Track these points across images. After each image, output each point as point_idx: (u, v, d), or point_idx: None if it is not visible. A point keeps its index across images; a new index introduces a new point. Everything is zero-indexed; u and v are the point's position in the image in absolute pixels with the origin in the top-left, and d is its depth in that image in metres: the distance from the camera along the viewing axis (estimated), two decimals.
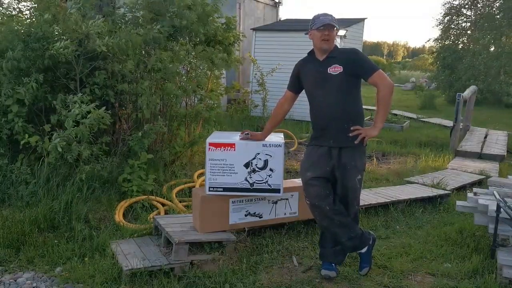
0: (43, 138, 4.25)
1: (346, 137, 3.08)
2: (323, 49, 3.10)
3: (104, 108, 4.25)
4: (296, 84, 3.32)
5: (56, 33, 4.48)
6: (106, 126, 4.39)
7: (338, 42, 9.70)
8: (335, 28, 3.09)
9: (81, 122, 4.09)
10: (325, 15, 3.12)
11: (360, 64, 3.09)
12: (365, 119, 3.32)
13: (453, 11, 18.67)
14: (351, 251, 3.35)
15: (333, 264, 3.28)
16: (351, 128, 3.08)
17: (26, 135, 4.27)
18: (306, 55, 3.26)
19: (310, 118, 3.25)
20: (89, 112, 4.10)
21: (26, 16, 4.97)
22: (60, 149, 4.00)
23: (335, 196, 3.17)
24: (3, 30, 4.59)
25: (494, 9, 17.84)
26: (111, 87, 4.78)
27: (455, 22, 18.92)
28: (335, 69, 3.06)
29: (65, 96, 4.40)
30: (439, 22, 19.05)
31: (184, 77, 5.57)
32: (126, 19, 5.22)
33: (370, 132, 3.11)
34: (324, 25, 3.05)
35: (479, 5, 18.24)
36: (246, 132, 3.53)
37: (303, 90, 3.31)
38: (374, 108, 11.11)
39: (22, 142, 4.26)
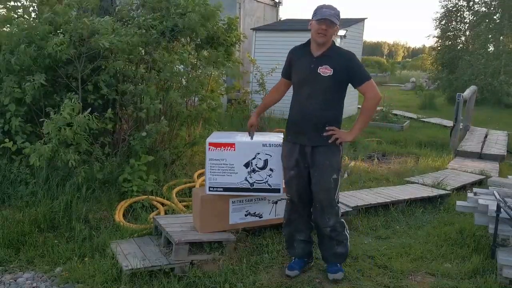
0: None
1: (320, 137, 3.06)
2: (317, 43, 3.02)
3: (89, 110, 4.19)
4: (288, 72, 3.25)
5: (54, 32, 4.46)
6: (106, 126, 4.38)
7: (338, 42, 9.70)
8: (335, 25, 2.97)
9: (66, 128, 4.04)
10: (329, 8, 2.98)
11: (352, 72, 3.03)
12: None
13: (449, 13, 18.68)
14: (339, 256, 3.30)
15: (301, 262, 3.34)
16: (326, 128, 3.05)
17: (7, 140, 4.23)
18: (305, 42, 3.17)
19: (289, 110, 3.20)
20: (73, 117, 4.05)
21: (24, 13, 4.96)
22: (37, 164, 3.95)
23: (312, 195, 3.20)
24: (7, 28, 4.60)
25: (492, 8, 17.84)
26: (112, 87, 4.77)
27: (453, 23, 18.93)
28: (325, 71, 2.99)
29: (58, 95, 4.39)
30: (438, 23, 19.07)
31: (185, 77, 5.58)
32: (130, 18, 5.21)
33: (344, 136, 3.08)
34: (323, 19, 2.94)
35: (476, 6, 18.25)
36: (250, 132, 3.50)
37: None
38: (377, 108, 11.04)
39: (2, 145, 4.23)
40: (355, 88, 3.07)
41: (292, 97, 3.21)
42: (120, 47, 4.48)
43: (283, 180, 3.37)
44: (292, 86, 3.25)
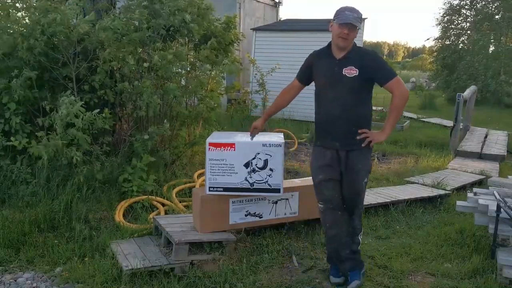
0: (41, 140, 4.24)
1: (353, 140, 3.01)
2: (339, 46, 2.96)
3: (97, 110, 4.18)
4: (306, 75, 3.18)
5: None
6: (107, 127, 4.38)
7: None
8: (357, 29, 2.91)
9: (74, 123, 4.03)
10: (352, 10, 2.90)
11: (377, 70, 2.97)
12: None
13: (451, 11, 18.67)
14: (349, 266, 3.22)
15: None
16: (359, 131, 3.01)
17: (13, 139, 4.22)
18: (325, 46, 3.10)
19: (315, 115, 3.15)
20: (78, 114, 4.04)
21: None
22: (45, 157, 3.93)
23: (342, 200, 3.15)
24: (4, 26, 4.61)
25: (493, 9, 17.84)
26: (110, 86, 4.77)
27: (455, 22, 18.93)
28: (351, 71, 2.93)
29: (55, 96, 4.40)
30: (439, 22, 19.07)
31: (184, 77, 5.58)
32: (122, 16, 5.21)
33: (377, 137, 3.05)
34: (346, 23, 2.87)
35: (478, 6, 18.23)
36: (252, 133, 3.47)
37: (311, 82, 3.20)
38: (378, 108, 10.94)
39: (5, 143, 4.23)
40: (381, 86, 3.01)
41: (315, 101, 3.14)
42: (105, 38, 4.45)
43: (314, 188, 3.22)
44: (315, 90, 3.16)
